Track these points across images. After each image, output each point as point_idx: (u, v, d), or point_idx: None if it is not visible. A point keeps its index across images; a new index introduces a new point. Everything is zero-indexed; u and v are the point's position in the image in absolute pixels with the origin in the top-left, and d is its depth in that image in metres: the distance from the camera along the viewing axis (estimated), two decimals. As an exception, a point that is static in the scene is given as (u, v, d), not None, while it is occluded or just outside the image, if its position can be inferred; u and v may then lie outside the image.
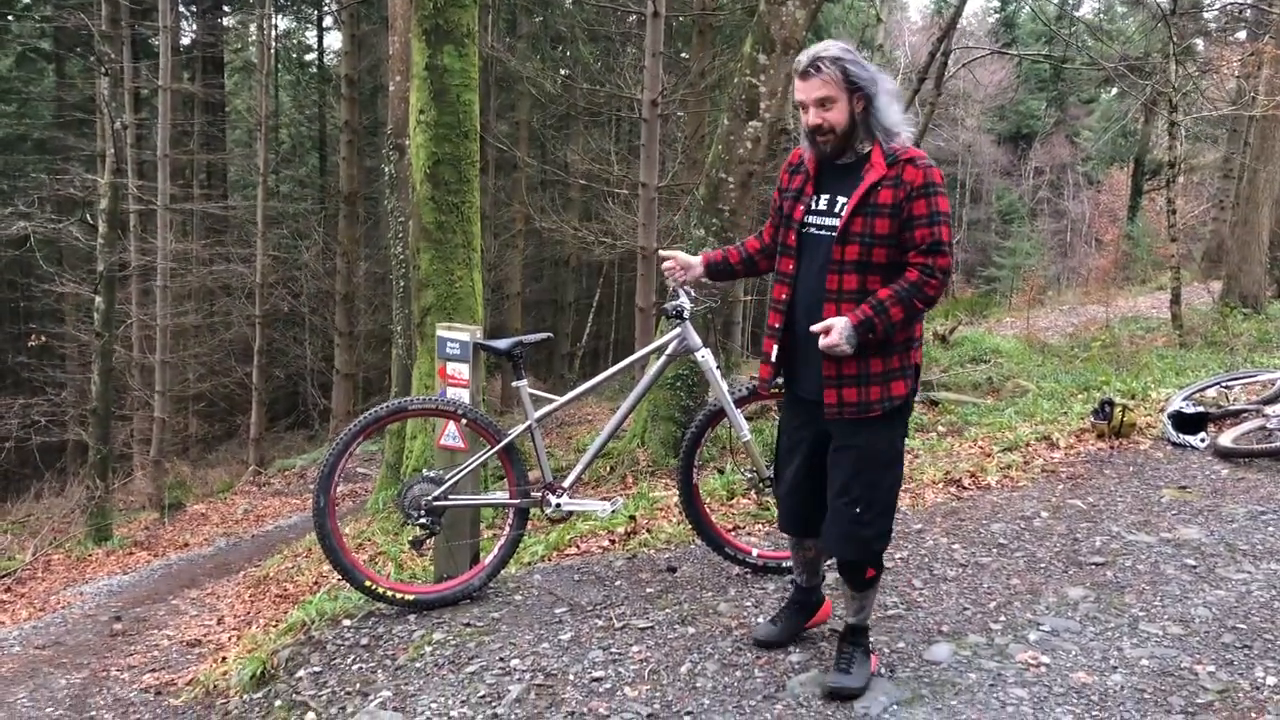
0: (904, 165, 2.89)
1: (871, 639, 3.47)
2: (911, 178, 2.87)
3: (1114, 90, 36.29)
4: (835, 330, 2.84)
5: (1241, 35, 20.62)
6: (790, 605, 3.59)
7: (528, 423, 4.09)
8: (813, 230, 3.02)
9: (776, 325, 3.12)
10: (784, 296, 3.09)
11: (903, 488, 5.65)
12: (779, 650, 3.47)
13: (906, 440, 3.24)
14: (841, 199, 2.96)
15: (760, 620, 3.71)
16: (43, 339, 18.16)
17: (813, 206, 3.04)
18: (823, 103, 2.91)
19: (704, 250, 3.70)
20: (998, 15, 44.76)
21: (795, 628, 3.55)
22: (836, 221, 2.95)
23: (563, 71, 21.25)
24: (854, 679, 3.14)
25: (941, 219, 2.89)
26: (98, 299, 13.21)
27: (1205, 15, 21.50)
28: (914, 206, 2.87)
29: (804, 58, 2.94)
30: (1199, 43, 22.37)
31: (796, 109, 3.07)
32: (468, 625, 3.86)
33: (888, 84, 2.94)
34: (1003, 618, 3.69)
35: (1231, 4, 19.01)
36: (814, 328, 2.89)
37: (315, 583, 7.22)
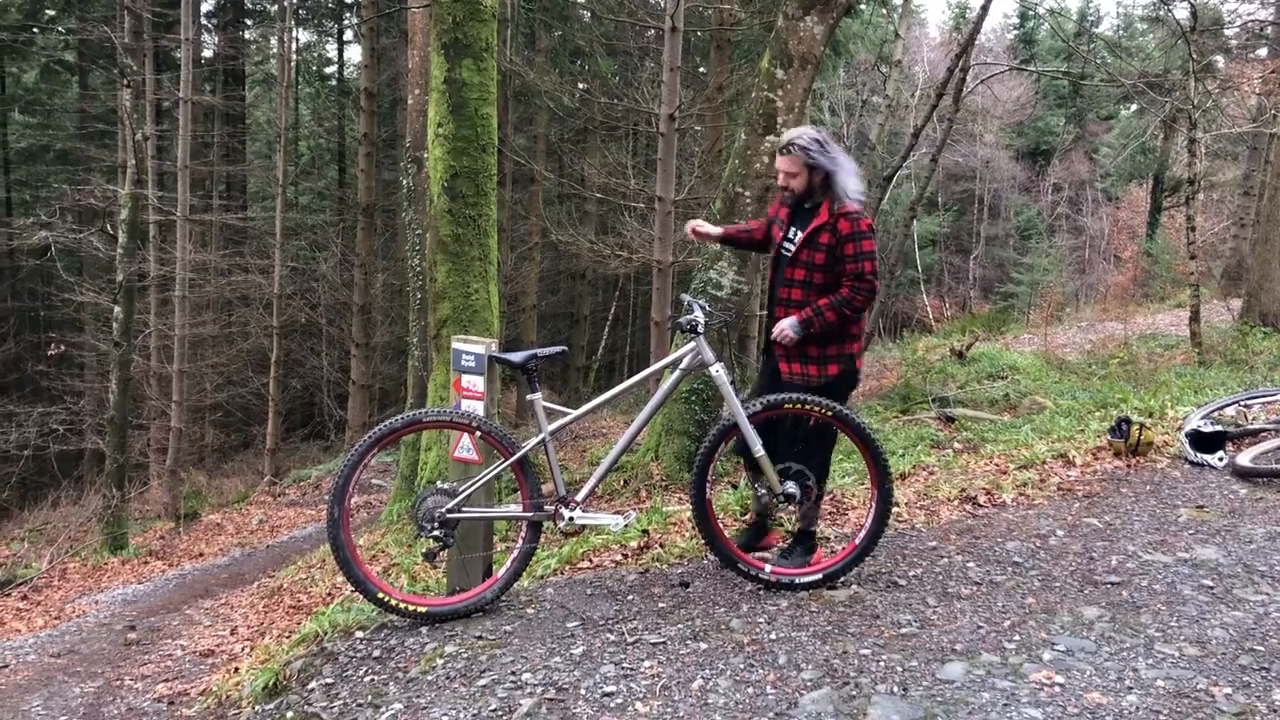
0: (839, 218, 4.13)
1: (885, 658, 3.45)
2: (843, 228, 4.12)
3: (1133, 107, 36.25)
4: (785, 325, 4.19)
5: (1262, 52, 20.58)
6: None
7: (542, 436, 4.10)
8: (781, 251, 4.33)
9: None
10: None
11: (918, 505, 5.67)
12: (791, 669, 3.46)
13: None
14: (798, 231, 4.25)
15: (773, 637, 3.70)
16: (62, 348, 18.33)
17: (786, 235, 4.32)
18: (790, 175, 4.24)
19: (726, 227, 4.83)
20: (1016, 32, 44.75)
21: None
22: (792, 247, 4.25)
23: (581, 85, 21.33)
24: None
25: (864, 257, 4.12)
26: (117, 308, 13.31)
27: (1226, 32, 21.43)
28: (844, 248, 4.13)
29: (784, 138, 4.27)
30: (1219, 60, 22.31)
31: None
32: (480, 638, 3.86)
33: (848, 166, 4.19)
34: (1017, 637, 3.66)
35: (1252, 21, 18.97)
36: (774, 331, 4.26)
37: (329, 594, 7.23)
